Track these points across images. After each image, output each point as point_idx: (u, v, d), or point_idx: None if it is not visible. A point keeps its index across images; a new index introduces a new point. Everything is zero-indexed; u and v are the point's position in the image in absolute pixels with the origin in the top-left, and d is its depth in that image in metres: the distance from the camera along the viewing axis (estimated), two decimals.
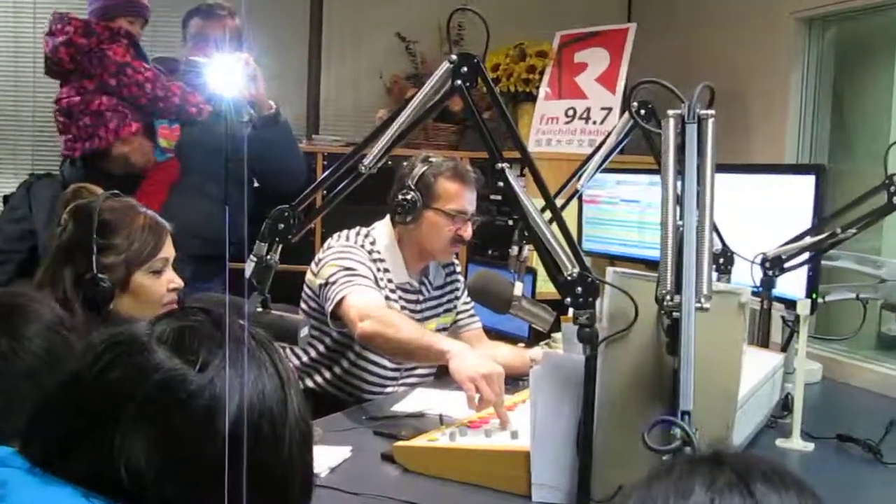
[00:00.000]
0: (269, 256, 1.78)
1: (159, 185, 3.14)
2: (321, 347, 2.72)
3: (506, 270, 2.03)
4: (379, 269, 2.63)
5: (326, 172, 1.85)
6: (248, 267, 1.76)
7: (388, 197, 2.67)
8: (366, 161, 1.79)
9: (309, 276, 2.68)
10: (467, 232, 2.67)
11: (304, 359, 2.73)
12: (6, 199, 3.48)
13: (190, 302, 1.80)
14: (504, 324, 3.00)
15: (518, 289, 1.94)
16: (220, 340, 0.87)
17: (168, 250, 1.96)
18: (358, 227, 2.73)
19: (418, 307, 2.74)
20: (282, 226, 1.79)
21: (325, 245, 2.67)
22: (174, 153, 3.22)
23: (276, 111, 3.10)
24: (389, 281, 2.66)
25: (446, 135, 4.21)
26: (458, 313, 2.88)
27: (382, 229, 2.71)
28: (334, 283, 2.49)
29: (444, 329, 2.84)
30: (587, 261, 1.63)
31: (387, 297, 2.63)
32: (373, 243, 2.66)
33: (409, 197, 2.60)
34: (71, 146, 3.16)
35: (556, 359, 1.72)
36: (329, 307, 2.49)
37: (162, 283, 1.94)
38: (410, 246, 2.70)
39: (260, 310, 1.75)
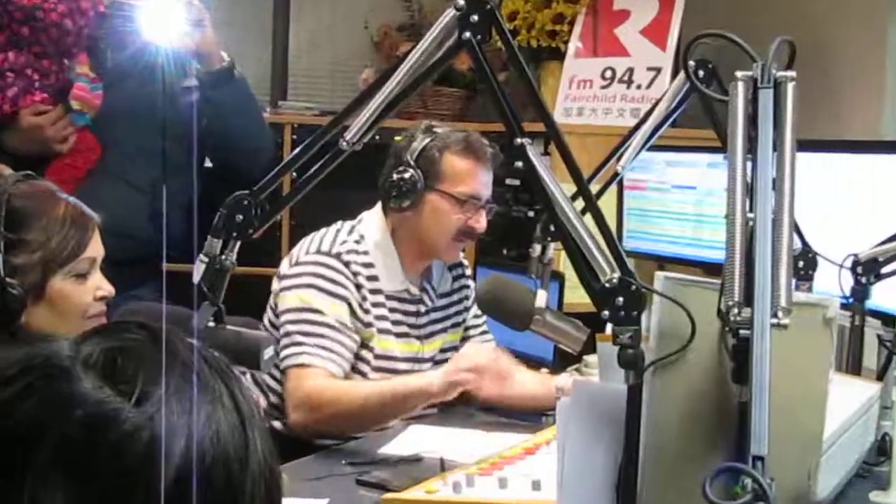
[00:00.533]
0: (223, 256, 1.78)
1: (72, 168, 3.10)
2: None
3: (524, 275, 2.04)
4: (361, 286, 2.64)
5: (297, 149, 1.84)
6: (198, 269, 1.75)
7: (380, 178, 2.68)
8: (347, 135, 1.79)
9: (275, 284, 2.69)
10: (480, 222, 2.69)
11: (272, 398, 2.74)
12: None
13: (123, 315, 1.78)
14: (522, 343, 2.99)
15: (541, 299, 1.95)
16: (168, 369, 0.86)
17: (95, 248, 1.96)
18: (340, 223, 2.74)
19: (420, 321, 2.76)
20: (240, 217, 1.78)
21: (294, 255, 2.69)
22: (94, 125, 3.18)
23: (230, 64, 3.08)
24: (378, 292, 2.67)
25: (450, 102, 4.23)
26: (466, 328, 2.90)
27: (372, 221, 2.73)
28: (289, 335, 2.59)
29: (454, 349, 2.85)
30: (629, 263, 1.64)
31: (378, 317, 2.67)
32: (358, 241, 2.68)
33: (406, 176, 2.62)
34: None
35: (589, 388, 1.73)
36: (281, 363, 2.59)
37: (87, 290, 1.94)
38: (408, 240, 2.72)
39: (212, 325, 1.74)
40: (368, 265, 2.66)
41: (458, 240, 2.70)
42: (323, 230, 2.72)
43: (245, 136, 3.12)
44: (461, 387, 2.50)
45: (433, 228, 2.67)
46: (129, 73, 3.04)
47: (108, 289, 1.96)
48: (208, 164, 3.29)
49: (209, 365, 0.90)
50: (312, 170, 1.82)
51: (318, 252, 2.65)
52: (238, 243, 1.79)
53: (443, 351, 2.81)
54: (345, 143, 1.79)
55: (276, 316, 2.65)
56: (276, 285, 2.68)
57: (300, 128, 3.96)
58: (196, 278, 1.75)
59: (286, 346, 2.59)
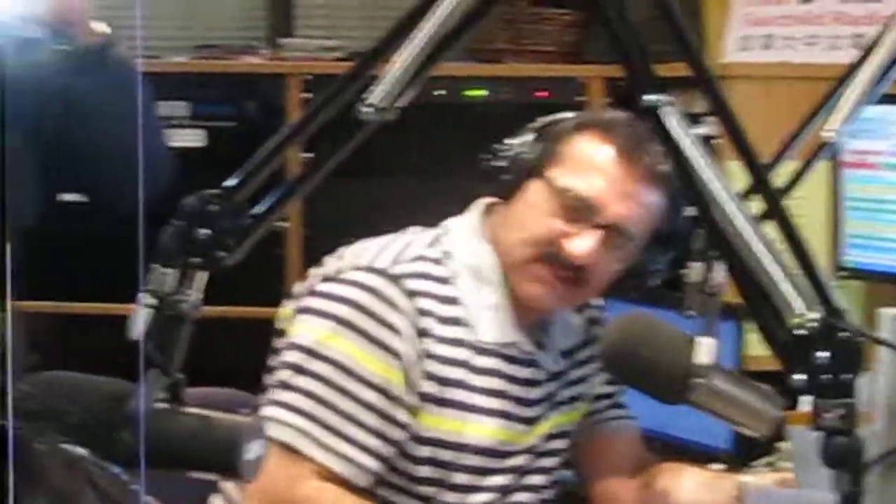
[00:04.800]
0: (179, 296, 1.35)
1: None
2: None
3: (678, 313, 1.63)
4: (427, 333, 1.93)
5: (299, 120, 1.40)
6: (138, 317, 1.33)
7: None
8: (373, 96, 1.36)
9: (288, 308, 2.01)
10: (578, 246, 1.94)
11: None
12: None
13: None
14: (680, 423, 2.43)
15: (705, 351, 1.55)
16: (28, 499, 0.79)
17: None
18: (416, 230, 2.04)
19: (533, 393, 2.03)
20: (205, 233, 1.35)
21: (330, 266, 1.99)
22: None
23: (107, 40, 2.32)
24: (459, 343, 1.97)
25: (556, 32, 3.47)
26: (595, 398, 2.16)
27: (465, 233, 2.03)
28: (281, 387, 1.90)
29: (564, 435, 2.14)
30: (848, 292, 1.42)
31: (450, 383, 1.95)
32: (438, 261, 1.97)
33: (517, 141, 1.97)
34: None
35: (773, 499, 1.58)
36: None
37: None
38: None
39: (163, 406, 1.32)
40: (448, 301, 1.96)
41: (540, 262, 1.96)
42: (390, 237, 2.01)
43: (123, 153, 2.14)
44: None
45: (512, 230, 1.96)
46: None
47: None
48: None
49: (96, 490, 0.85)
50: (320, 154, 1.40)
51: (369, 269, 1.94)
52: (204, 276, 1.36)
53: (549, 437, 2.09)
54: (367, 111, 1.36)
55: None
56: (289, 309, 2.02)
57: (315, 80, 3.21)
58: (136, 331, 1.32)
59: (273, 403, 1.92)
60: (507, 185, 1.95)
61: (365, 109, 1.35)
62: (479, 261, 2.00)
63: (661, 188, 1.96)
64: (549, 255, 1.95)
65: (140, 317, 1.33)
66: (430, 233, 2.02)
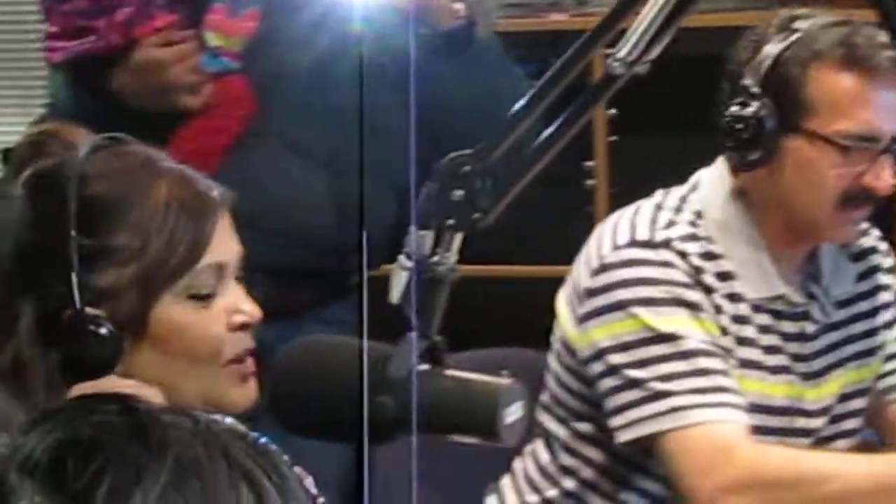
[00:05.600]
0: (437, 258, 1.31)
1: (212, 132, 2.47)
2: (584, 472, 1.95)
3: None
4: (712, 290, 1.88)
5: (544, 78, 1.45)
6: (396, 281, 1.31)
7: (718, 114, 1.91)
8: (620, 50, 1.34)
9: (565, 308, 1.95)
10: (882, 178, 1.85)
11: (566, 483, 1.96)
12: None
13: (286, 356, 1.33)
14: None
15: None
16: (152, 468, 0.73)
17: (224, 248, 1.38)
18: (660, 194, 1.97)
19: (806, 348, 1.95)
20: (459, 194, 1.31)
21: (592, 257, 1.93)
22: (241, 64, 2.51)
23: (468, 21, 2.28)
24: (737, 298, 1.91)
25: None
26: (889, 358, 2.03)
27: (711, 187, 1.95)
28: (629, 382, 1.83)
29: (862, 392, 2.01)
30: None
31: (742, 341, 1.89)
32: (693, 223, 1.90)
33: (747, 111, 1.84)
34: (53, 45, 2.46)
35: None
36: (623, 434, 1.85)
37: (213, 318, 1.37)
38: (766, 215, 1.91)
39: (425, 367, 1.29)
40: (715, 257, 1.89)
41: (847, 209, 1.89)
42: (632, 208, 1.95)
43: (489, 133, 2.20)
44: None
45: (801, 194, 1.86)
46: None
47: (249, 311, 1.38)
48: None
49: (229, 460, 0.77)
50: (566, 114, 1.40)
51: (633, 244, 1.89)
52: (459, 238, 1.33)
53: (844, 398, 1.98)
54: (617, 65, 1.33)
55: (583, 363, 1.92)
56: (566, 310, 1.95)
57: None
58: (394, 296, 1.30)
59: (628, 406, 1.86)
60: (760, 155, 1.84)
61: (614, 64, 1.31)
62: (730, 217, 1.93)
63: None
64: (855, 200, 1.89)
65: (398, 279, 1.31)
66: (675, 194, 1.95)
